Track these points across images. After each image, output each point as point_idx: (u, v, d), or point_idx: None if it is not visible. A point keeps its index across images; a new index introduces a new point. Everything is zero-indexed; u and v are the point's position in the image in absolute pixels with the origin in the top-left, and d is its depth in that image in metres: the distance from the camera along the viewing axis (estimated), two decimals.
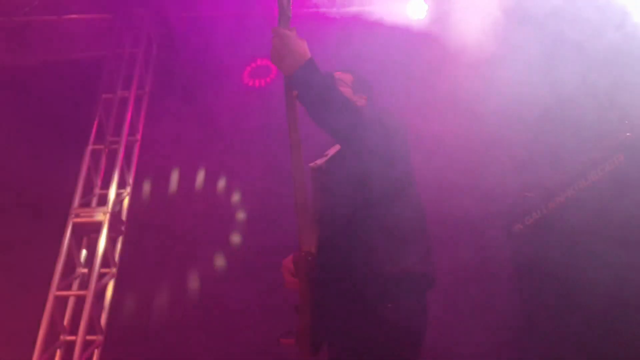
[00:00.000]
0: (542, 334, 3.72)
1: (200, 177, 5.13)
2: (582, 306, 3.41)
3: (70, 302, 4.57)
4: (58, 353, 4.30)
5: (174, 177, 5.06)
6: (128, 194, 5.02)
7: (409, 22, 4.90)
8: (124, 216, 4.91)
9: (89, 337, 4.29)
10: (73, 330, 4.37)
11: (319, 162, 2.21)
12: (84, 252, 4.77)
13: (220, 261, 4.77)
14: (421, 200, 2.15)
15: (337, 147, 2.22)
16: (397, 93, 4.56)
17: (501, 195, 4.45)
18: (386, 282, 1.89)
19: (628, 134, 3.32)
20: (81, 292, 4.40)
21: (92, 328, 4.33)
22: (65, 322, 4.45)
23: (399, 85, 4.58)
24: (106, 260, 4.64)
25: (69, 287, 4.52)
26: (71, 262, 4.59)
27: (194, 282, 4.68)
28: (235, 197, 5.03)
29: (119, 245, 4.82)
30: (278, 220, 4.09)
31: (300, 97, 1.84)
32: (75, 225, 4.62)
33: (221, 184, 5.10)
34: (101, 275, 4.54)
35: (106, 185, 4.86)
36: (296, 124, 1.85)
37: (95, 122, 5.10)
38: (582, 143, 4.19)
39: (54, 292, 4.33)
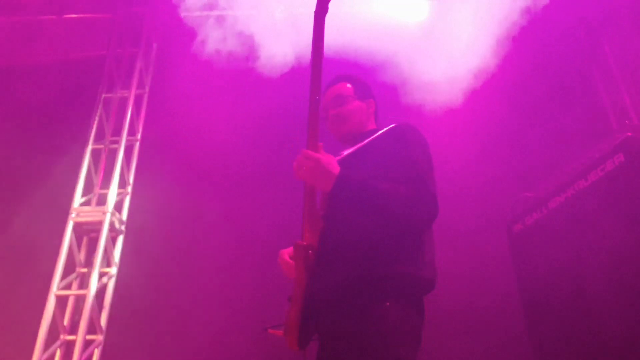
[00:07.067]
0: (542, 334, 3.72)
1: (201, 176, 5.11)
2: (582, 306, 3.40)
3: (70, 302, 4.57)
4: (58, 353, 4.30)
5: (174, 176, 5.05)
6: (128, 194, 5.03)
7: None
8: (124, 216, 4.91)
9: (89, 337, 4.27)
10: (73, 330, 4.38)
11: None
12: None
13: (220, 260, 4.76)
14: None
15: (350, 149, 2.24)
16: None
17: (501, 195, 4.45)
18: (387, 282, 1.89)
19: (629, 133, 3.32)
20: (81, 292, 4.40)
21: (92, 328, 4.32)
22: (65, 321, 4.45)
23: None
24: (106, 260, 4.64)
25: (69, 287, 4.52)
26: (71, 262, 4.59)
27: (194, 281, 4.67)
28: (237, 196, 5.02)
29: (119, 245, 4.82)
30: (283, 217, 4.08)
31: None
32: (75, 225, 4.62)
33: (222, 183, 5.09)
34: (101, 275, 4.53)
35: (106, 185, 4.86)
36: (313, 199, 1.95)
37: (95, 122, 5.09)
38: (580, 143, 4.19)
39: (54, 291, 4.32)
